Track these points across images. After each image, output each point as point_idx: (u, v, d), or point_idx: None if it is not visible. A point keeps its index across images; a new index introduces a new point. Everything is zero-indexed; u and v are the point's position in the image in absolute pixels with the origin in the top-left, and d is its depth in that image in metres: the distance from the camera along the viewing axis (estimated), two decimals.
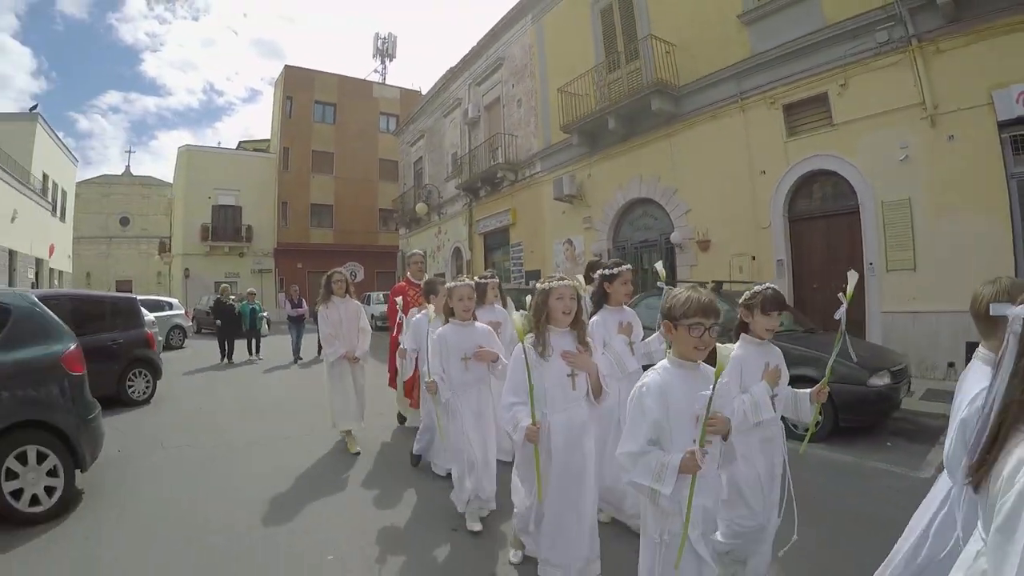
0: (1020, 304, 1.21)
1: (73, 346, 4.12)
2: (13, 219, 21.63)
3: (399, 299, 5.46)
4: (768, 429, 2.64)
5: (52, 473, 3.91)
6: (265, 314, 16.04)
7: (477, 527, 3.62)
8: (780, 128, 9.47)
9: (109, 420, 5.22)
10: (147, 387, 8.08)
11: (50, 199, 27.27)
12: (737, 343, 2.72)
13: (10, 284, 20.11)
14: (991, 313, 1.42)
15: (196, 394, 8.98)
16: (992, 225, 7.32)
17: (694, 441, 1.97)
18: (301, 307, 13.45)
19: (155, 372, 8.27)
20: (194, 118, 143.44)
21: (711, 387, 1.93)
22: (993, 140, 7.39)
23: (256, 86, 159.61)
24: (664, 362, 2.17)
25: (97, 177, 44.34)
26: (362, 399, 5.77)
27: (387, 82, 36.59)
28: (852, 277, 2.66)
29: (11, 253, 21.69)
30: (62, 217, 30.15)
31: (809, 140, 9.15)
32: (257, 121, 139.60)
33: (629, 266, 3.66)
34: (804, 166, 9.16)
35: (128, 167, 48.35)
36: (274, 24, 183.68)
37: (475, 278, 4.17)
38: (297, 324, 13.25)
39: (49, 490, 3.89)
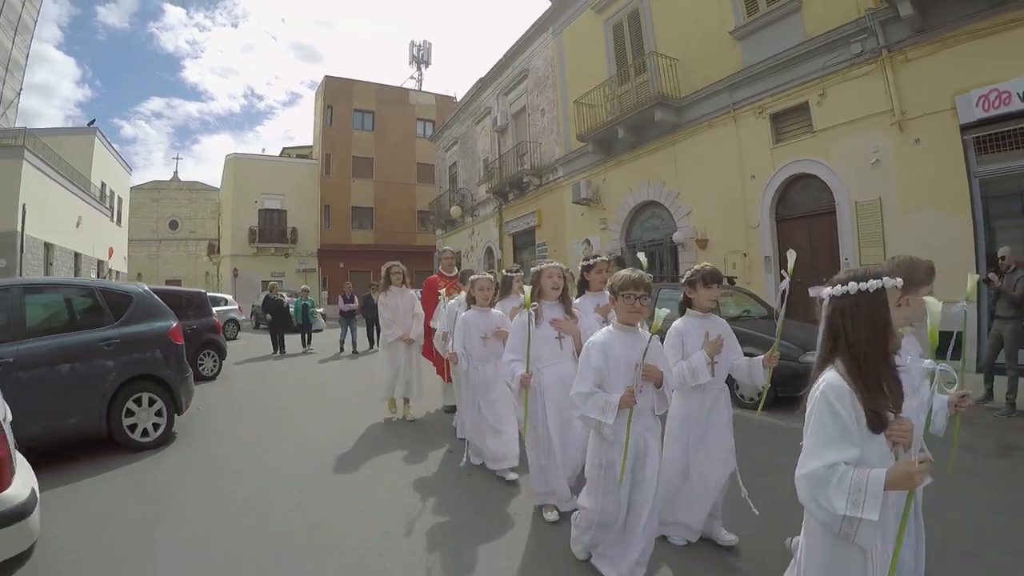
0: (830, 286, 1.72)
1: (175, 323, 5.67)
2: (78, 225, 23.98)
3: (442, 291, 5.96)
4: (709, 391, 3.12)
5: (158, 414, 5.45)
6: (321, 309, 17.58)
7: (509, 473, 4.35)
8: (767, 135, 10.52)
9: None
10: (214, 365, 9.76)
11: (108, 205, 29.78)
12: (681, 318, 3.24)
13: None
14: (809, 294, 1.83)
15: (254, 375, 10.61)
16: (955, 222, 8.07)
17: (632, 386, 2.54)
18: (352, 303, 14.21)
19: (221, 353, 9.95)
20: (236, 122, 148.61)
21: (647, 343, 2.56)
22: (956, 142, 8.12)
23: (296, 89, 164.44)
24: (609, 326, 2.84)
25: (147, 183, 47.48)
26: (420, 374, 6.64)
27: (423, 88, 38.43)
28: (791, 256, 2.99)
29: (76, 255, 24.03)
30: (118, 221, 32.78)
31: (792, 146, 10.17)
32: (298, 124, 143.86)
33: (604, 258, 4.53)
34: (788, 170, 10.18)
35: (176, 173, 51.51)
36: (312, 28, 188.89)
37: (503, 272, 5.06)
38: (348, 319, 13.98)
39: (155, 426, 5.46)
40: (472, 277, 4.70)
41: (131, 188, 38.73)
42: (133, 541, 3.44)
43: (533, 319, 3.52)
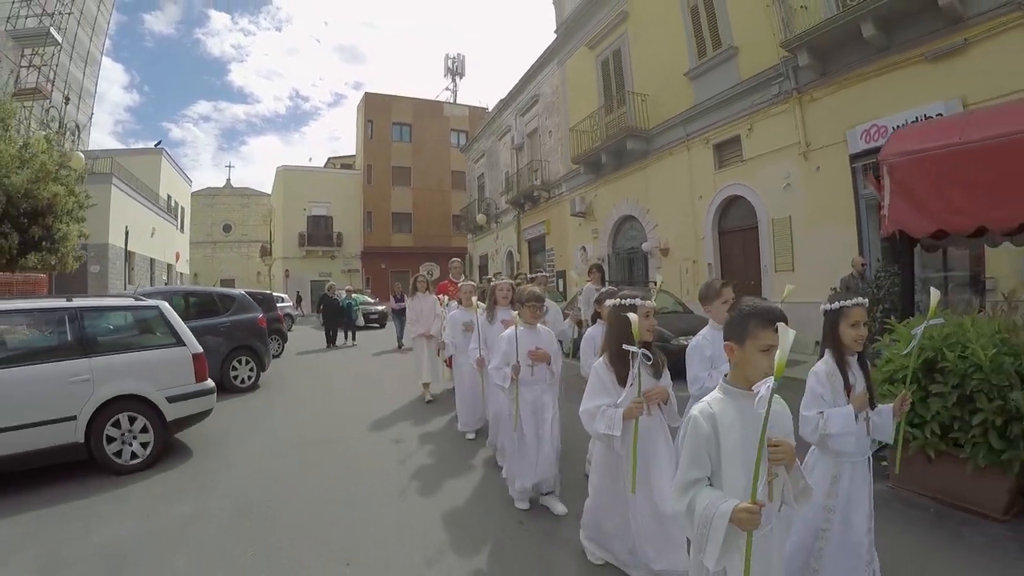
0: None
1: (261, 314, 9.04)
2: (152, 235, 28.13)
3: (444, 296, 8.07)
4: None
5: (251, 370, 8.78)
6: (382, 307, 20.45)
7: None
8: (711, 162, 13.22)
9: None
10: (279, 347, 13.14)
11: (173, 215, 34.11)
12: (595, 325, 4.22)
13: (151, 285, 26.50)
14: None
15: (312, 358, 13.87)
16: (846, 235, 10.29)
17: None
18: (402, 301, 15.30)
19: (284, 338, 13.37)
20: (282, 123, 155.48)
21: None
22: (846, 170, 10.13)
23: (340, 90, 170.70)
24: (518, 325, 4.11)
25: (203, 190, 52.07)
26: (437, 364, 8.42)
27: (458, 98, 41.94)
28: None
29: (152, 261, 28.22)
30: (181, 229, 37.21)
31: (729, 172, 12.86)
32: (343, 124, 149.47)
33: (538, 275, 7.23)
34: (726, 192, 12.88)
35: (228, 180, 56.31)
36: (355, 30, 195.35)
37: (516, 277, 6.85)
38: (400, 316, 14.66)
39: (249, 377, 8.79)
40: (494, 283, 5.88)
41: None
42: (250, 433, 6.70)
43: (484, 319, 5.37)
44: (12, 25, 21.78)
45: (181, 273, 35.39)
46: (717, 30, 12.87)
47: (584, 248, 18.17)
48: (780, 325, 1.67)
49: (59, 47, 23.27)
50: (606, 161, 16.28)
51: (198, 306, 8.31)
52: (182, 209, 37.49)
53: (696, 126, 13.61)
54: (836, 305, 2.66)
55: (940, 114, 8.33)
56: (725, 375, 1.94)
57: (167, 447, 5.59)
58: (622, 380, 2.89)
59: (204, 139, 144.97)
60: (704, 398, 1.91)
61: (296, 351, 14.99)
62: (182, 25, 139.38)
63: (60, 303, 5.09)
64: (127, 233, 21.25)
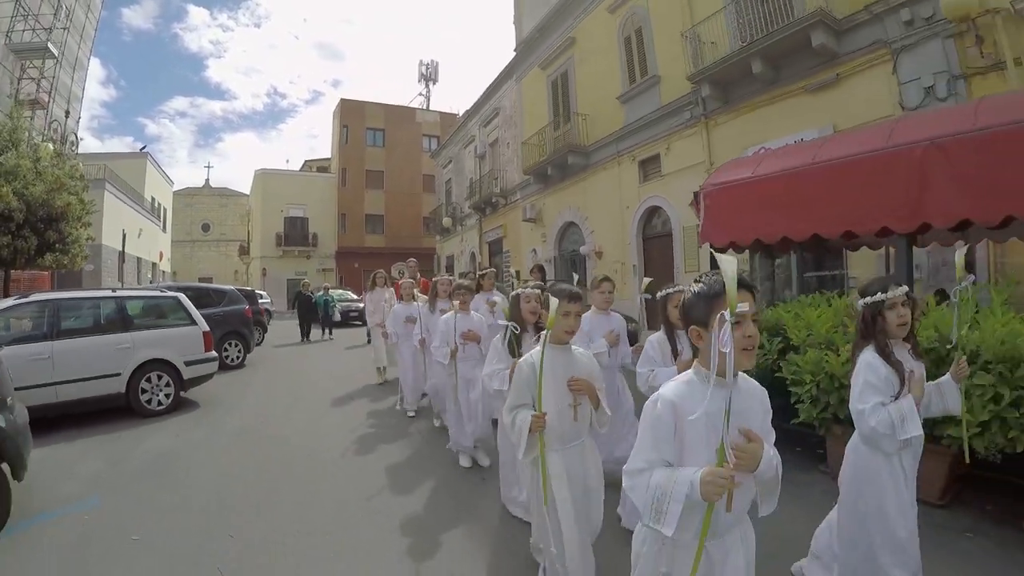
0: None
1: (247, 306, 11.02)
2: (139, 235, 29.81)
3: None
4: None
5: (239, 351, 10.78)
6: (363, 305, 22.12)
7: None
8: (636, 177, 15.39)
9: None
10: (260, 337, 15.07)
11: (157, 216, 35.73)
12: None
13: (138, 283, 28.24)
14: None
15: (288, 350, 15.83)
16: None
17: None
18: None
19: (264, 329, 15.31)
20: (259, 120, 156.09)
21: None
22: None
23: (319, 88, 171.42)
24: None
25: (182, 190, 53.37)
26: (387, 351, 9.85)
27: (432, 103, 44.09)
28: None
29: (139, 260, 29.90)
30: (164, 229, 38.78)
31: (651, 186, 15.01)
32: (320, 122, 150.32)
33: (484, 272, 8.64)
34: (648, 203, 15.04)
35: (208, 180, 57.75)
36: (333, 27, 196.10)
37: (478, 272, 7.51)
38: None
39: (237, 357, 10.80)
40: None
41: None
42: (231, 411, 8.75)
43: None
44: (10, 39, 23.31)
45: (164, 271, 37.01)
46: (645, 60, 14.96)
47: (535, 250, 20.31)
48: (720, 256, 1.68)
49: (56, 61, 24.84)
50: (552, 173, 18.44)
51: (198, 298, 10.23)
52: (165, 209, 39.12)
53: (625, 144, 15.76)
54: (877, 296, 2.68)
55: (801, 139, 10.59)
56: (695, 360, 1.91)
57: (182, 401, 7.64)
58: (511, 350, 3.47)
59: (180, 135, 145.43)
60: (668, 383, 1.88)
61: (273, 344, 16.53)
62: (160, 19, 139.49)
63: (108, 294, 7.14)
64: (124, 236, 23.03)
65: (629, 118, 15.58)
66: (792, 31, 10.15)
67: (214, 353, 7.83)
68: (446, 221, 29.77)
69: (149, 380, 7.03)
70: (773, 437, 1.91)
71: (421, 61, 46.34)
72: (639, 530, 1.98)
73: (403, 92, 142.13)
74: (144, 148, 35.07)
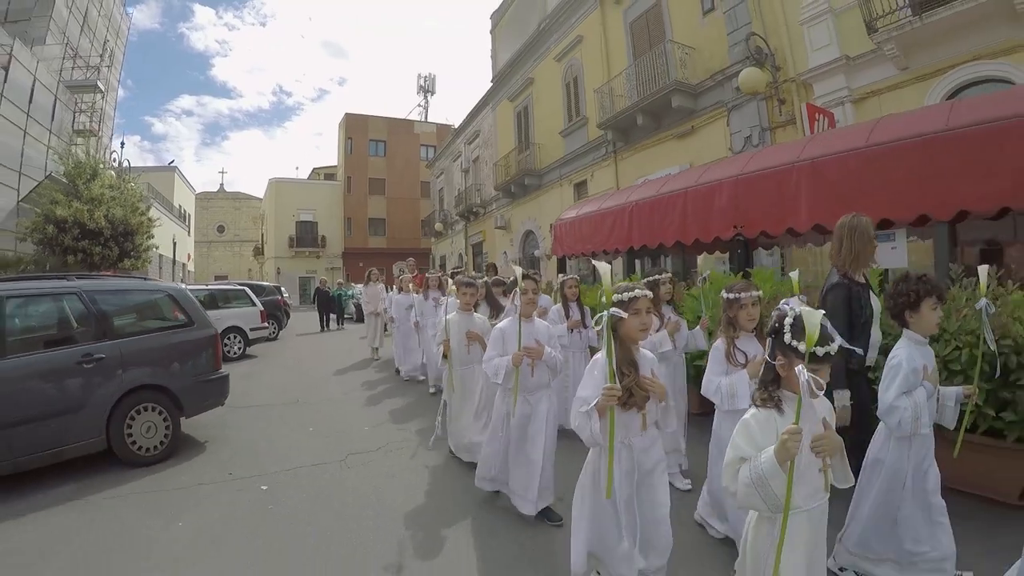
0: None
1: (280, 297, 16.17)
2: (174, 242, 35.16)
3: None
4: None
5: (274, 328, 15.97)
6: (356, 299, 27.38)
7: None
8: (572, 197, 20.26)
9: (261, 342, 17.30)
10: (278, 328, 20.10)
11: (184, 222, 41.08)
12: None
13: (172, 280, 33.62)
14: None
15: (310, 336, 20.90)
16: None
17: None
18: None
19: (280, 321, 20.32)
20: (265, 118, 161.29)
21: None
22: None
23: (324, 86, 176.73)
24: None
25: (200, 194, 58.92)
26: (382, 334, 13.19)
27: (429, 113, 49.34)
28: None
29: (173, 262, 35.28)
30: (189, 232, 44.17)
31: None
32: (325, 121, 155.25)
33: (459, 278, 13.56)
34: None
35: (222, 185, 63.28)
36: (339, 25, 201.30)
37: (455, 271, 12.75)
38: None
39: (273, 332, 16.08)
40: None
41: None
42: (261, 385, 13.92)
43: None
44: (61, 77, 28.50)
45: (190, 271, 42.39)
46: (578, 103, 19.83)
47: (505, 253, 25.32)
48: (597, 263, 2.31)
49: (103, 94, 30.03)
50: (515, 190, 23.48)
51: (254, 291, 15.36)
52: (189, 215, 44.55)
53: (565, 170, 20.66)
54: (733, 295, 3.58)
55: (670, 173, 15.51)
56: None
57: (247, 354, 12.78)
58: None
59: (187, 133, 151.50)
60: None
61: (296, 332, 20.85)
62: (166, 19, 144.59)
63: (204, 287, 12.28)
64: (175, 244, 28.44)
65: (567, 149, 20.43)
66: (659, 95, 14.47)
67: (267, 324, 12.93)
68: (438, 226, 34.97)
69: (228, 339, 12.12)
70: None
71: (419, 74, 51.51)
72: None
73: (408, 90, 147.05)
74: (172, 162, 40.29)
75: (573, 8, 19.39)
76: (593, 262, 2.90)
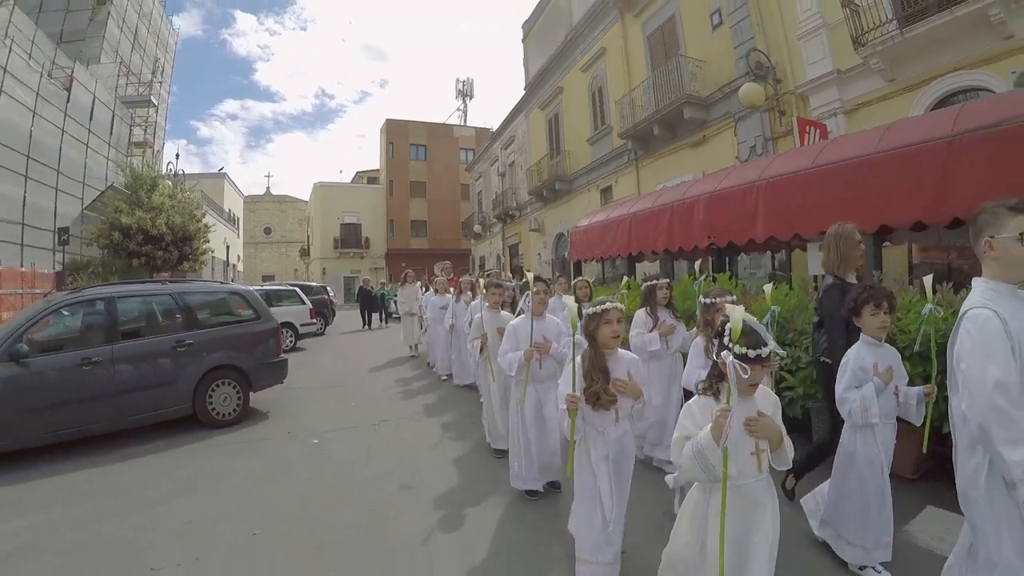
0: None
1: (327, 296, 17.93)
2: (225, 243, 37.59)
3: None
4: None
5: (322, 323, 17.71)
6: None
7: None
8: (599, 201, 21.50)
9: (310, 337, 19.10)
10: (324, 324, 21.87)
11: (234, 225, 43.61)
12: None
13: (223, 280, 36.07)
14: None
15: (353, 335, 22.66)
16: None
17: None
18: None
19: (327, 318, 22.08)
20: (308, 121, 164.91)
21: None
22: None
23: (366, 88, 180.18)
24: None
25: (247, 197, 61.75)
26: (418, 332, 13.89)
27: (468, 118, 51.11)
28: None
29: (224, 263, 37.70)
30: (238, 235, 46.76)
31: None
32: (368, 122, 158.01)
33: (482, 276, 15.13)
34: None
35: (268, 188, 66.12)
36: (379, 28, 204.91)
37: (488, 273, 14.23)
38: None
39: (321, 327, 17.78)
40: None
41: None
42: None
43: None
44: (116, 93, 30.73)
45: (239, 271, 44.94)
46: (603, 112, 21.08)
47: (539, 254, 26.70)
48: (565, 298, 3.44)
49: (156, 108, 32.38)
50: (547, 194, 24.85)
51: (303, 291, 17.04)
52: (237, 218, 47.18)
53: (592, 176, 21.92)
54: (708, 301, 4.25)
55: (683, 180, 16.68)
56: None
57: (297, 346, 14.51)
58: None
59: (231, 137, 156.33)
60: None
61: (339, 331, 22.43)
62: (208, 25, 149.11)
63: (261, 287, 14.01)
64: (228, 248, 30.68)
65: (594, 156, 21.67)
66: (671, 108, 15.62)
67: (315, 320, 14.61)
68: (477, 228, 36.58)
69: (281, 333, 13.77)
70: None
71: (458, 79, 53.16)
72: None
73: (448, 88, 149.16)
74: (222, 169, 42.89)
75: (596, 21, 20.64)
76: (564, 298, 3.92)
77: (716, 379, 2.58)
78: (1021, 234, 2.30)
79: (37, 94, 18.08)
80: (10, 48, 16.67)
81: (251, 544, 4.08)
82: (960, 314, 2.41)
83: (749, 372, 2.36)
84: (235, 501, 4.91)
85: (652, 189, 15.87)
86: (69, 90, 20.47)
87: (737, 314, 2.37)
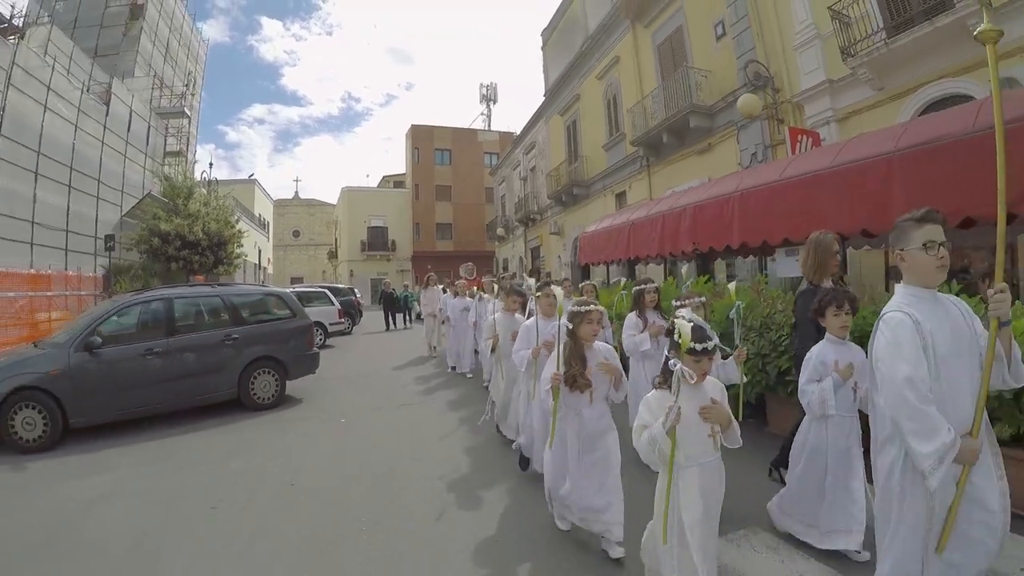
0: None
1: (355, 298, 19.21)
2: (259, 250, 39.25)
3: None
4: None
5: (350, 323, 19.01)
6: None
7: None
8: (614, 205, 22.39)
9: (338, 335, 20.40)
10: (351, 323, 23.09)
11: (264, 229, 45.34)
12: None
13: (255, 282, 37.73)
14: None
15: (376, 335, 23.91)
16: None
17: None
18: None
19: (354, 318, 23.30)
20: (335, 124, 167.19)
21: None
22: None
23: (392, 91, 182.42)
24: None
25: (276, 201, 63.52)
26: (439, 333, 14.54)
27: (492, 123, 52.29)
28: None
29: (256, 266, 39.36)
30: (268, 238, 48.52)
31: None
32: (394, 125, 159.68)
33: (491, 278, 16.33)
34: None
35: (297, 192, 67.95)
36: (403, 32, 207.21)
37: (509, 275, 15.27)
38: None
39: (349, 327, 19.07)
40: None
41: None
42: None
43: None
44: (151, 105, 32.20)
45: (269, 273, 46.68)
46: (618, 120, 21.96)
47: (559, 256, 27.70)
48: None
49: (189, 119, 33.99)
50: (566, 199, 25.85)
51: (332, 293, 18.30)
52: (267, 222, 48.99)
53: (607, 181, 22.82)
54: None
55: (691, 185, 17.55)
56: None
57: (327, 344, 15.75)
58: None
59: (259, 141, 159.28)
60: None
61: (364, 332, 23.67)
62: (235, 32, 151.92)
63: (294, 289, 15.28)
64: (260, 252, 32.31)
65: (609, 162, 22.54)
66: (678, 117, 16.43)
67: (343, 320, 15.85)
68: (500, 231, 37.74)
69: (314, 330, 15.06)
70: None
71: (481, 83, 54.59)
72: None
73: (472, 92, 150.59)
74: (252, 175, 44.69)
75: (610, 30, 21.60)
76: (552, 287, 4.73)
77: (669, 376, 2.86)
78: (925, 244, 2.52)
79: (79, 109, 19.47)
80: (52, 67, 18.10)
81: (289, 492, 5.24)
82: (878, 318, 2.63)
83: (696, 377, 2.79)
84: (276, 462, 6.08)
85: (663, 194, 16.52)
86: (108, 104, 21.97)
87: (684, 322, 2.77)
